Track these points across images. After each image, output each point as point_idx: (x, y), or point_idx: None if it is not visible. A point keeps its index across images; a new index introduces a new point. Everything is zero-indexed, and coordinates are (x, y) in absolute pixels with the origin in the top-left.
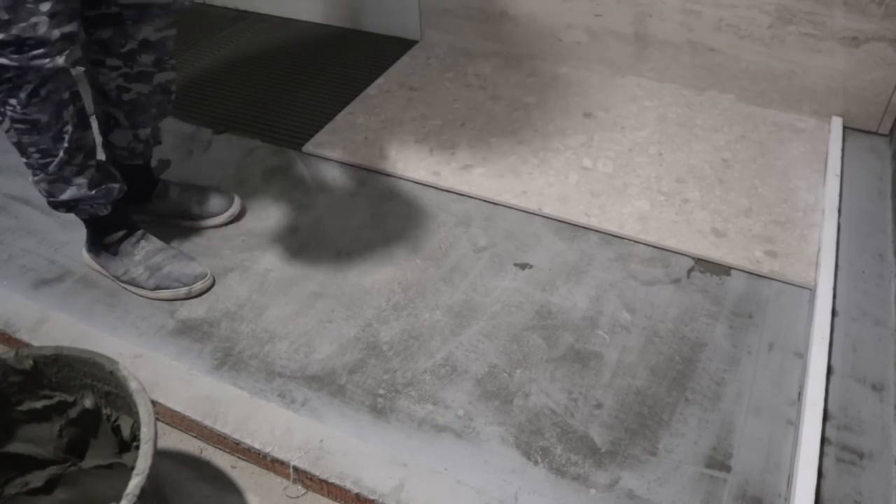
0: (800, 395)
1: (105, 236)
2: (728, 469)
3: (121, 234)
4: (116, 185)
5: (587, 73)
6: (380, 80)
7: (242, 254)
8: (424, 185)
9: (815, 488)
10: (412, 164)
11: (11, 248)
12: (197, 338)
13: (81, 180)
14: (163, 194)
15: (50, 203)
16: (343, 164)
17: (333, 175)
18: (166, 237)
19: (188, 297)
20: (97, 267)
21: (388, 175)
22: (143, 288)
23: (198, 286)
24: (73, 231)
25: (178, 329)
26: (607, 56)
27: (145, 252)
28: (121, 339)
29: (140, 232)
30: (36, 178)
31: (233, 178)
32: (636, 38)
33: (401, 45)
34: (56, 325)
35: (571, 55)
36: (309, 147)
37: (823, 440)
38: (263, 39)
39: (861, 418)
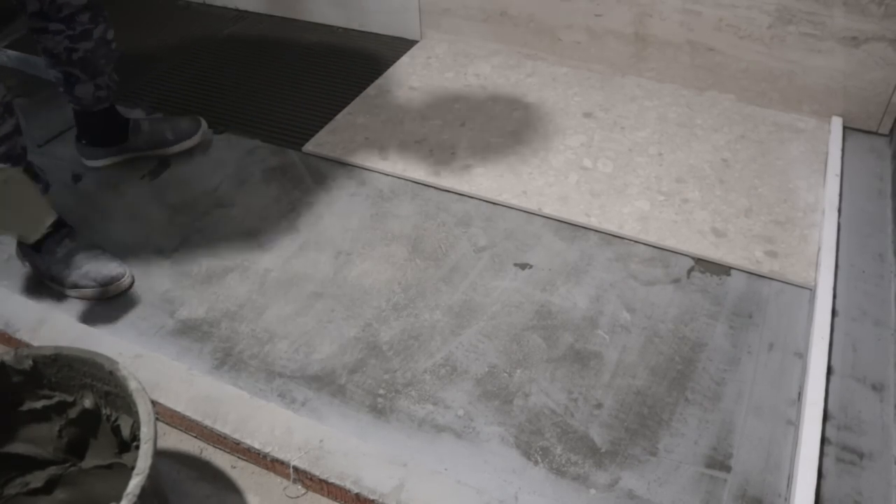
0: (800, 395)
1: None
2: (728, 469)
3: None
4: (40, 185)
5: (587, 73)
6: (380, 80)
7: (242, 254)
8: (424, 184)
9: (815, 488)
10: (412, 164)
11: (11, 248)
12: (197, 338)
13: None
14: (136, 129)
15: None
16: (343, 163)
17: (333, 175)
18: (166, 231)
19: (103, 298)
20: (25, 262)
21: (388, 175)
22: (62, 286)
23: (113, 287)
24: None
25: (178, 329)
26: (607, 56)
27: (67, 250)
28: (120, 339)
29: (66, 230)
30: None
31: (233, 178)
32: (636, 38)
33: (401, 45)
34: (56, 325)
35: (571, 55)
36: (309, 147)
37: (823, 440)
38: (263, 39)
39: (861, 418)
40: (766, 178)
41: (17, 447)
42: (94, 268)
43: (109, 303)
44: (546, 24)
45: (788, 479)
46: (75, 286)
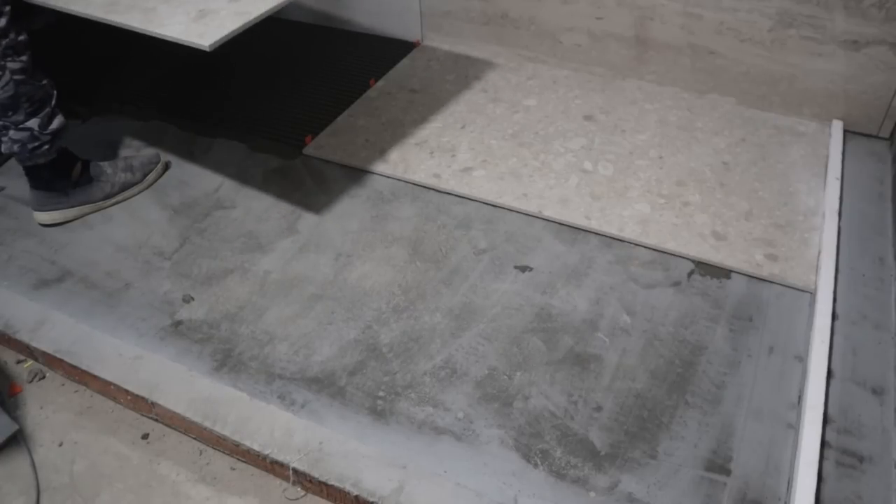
0: (800, 398)
1: (72, 170)
2: (728, 472)
3: (79, 163)
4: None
5: (588, 76)
6: (381, 83)
7: (242, 255)
8: (425, 187)
9: (815, 492)
10: (413, 166)
11: (12, 249)
12: (197, 339)
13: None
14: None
15: (42, 141)
16: (344, 165)
17: (334, 177)
18: (166, 232)
19: (165, 170)
20: (70, 214)
21: (389, 177)
22: (136, 185)
23: (161, 157)
24: (73, 232)
25: (178, 330)
26: (608, 59)
27: (108, 163)
28: (121, 340)
29: (86, 162)
30: (33, 120)
31: (233, 180)
32: (637, 42)
33: (402, 48)
34: (56, 326)
35: (572, 58)
36: (310, 149)
37: (823, 444)
38: (264, 41)
39: (861, 422)
40: (767, 182)
41: None
42: (139, 157)
43: (110, 304)
44: (547, 27)
45: (788, 482)
46: (145, 175)
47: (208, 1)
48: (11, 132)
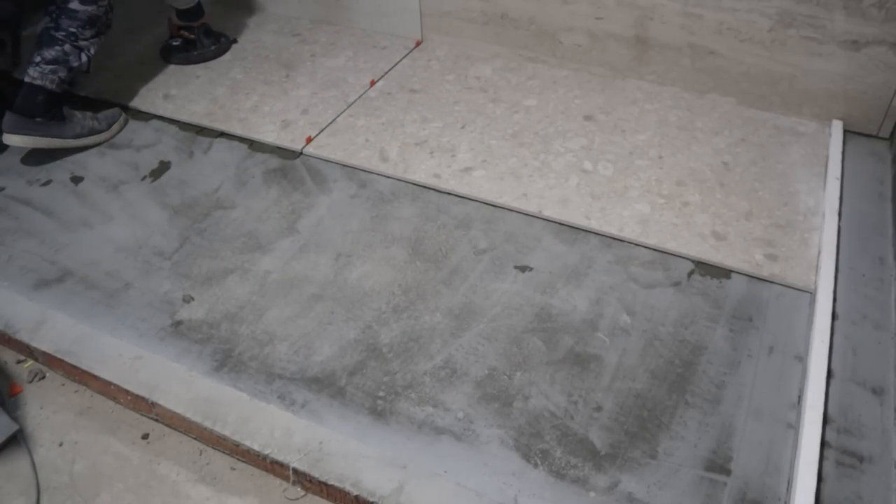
0: (800, 398)
1: (59, 108)
2: (728, 472)
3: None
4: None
5: (588, 76)
6: (381, 83)
7: (242, 255)
8: (425, 187)
9: (815, 492)
10: (412, 167)
11: (12, 249)
12: (197, 339)
13: None
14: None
15: (88, 64)
16: (344, 165)
17: (334, 177)
18: (166, 232)
19: (126, 123)
20: (41, 143)
21: (389, 177)
22: (102, 132)
23: (123, 113)
24: (74, 232)
25: (179, 331)
26: (608, 59)
27: (81, 113)
28: (120, 341)
29: (62, 108)
30: (96, 39)
31: (233, 180)
32: (637, 42)
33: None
34: (56, 327)
35: (572, 58)
36: (310, 149)
37: (823, 444)
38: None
39: (861, 422)
40: (767, 182)
41: None
42: (102, 112)
43: (110, 304)
44: (547, 26)
45: (788, 482)
46: (110, 125)
47: (285, 113)
48: (67, 45)
